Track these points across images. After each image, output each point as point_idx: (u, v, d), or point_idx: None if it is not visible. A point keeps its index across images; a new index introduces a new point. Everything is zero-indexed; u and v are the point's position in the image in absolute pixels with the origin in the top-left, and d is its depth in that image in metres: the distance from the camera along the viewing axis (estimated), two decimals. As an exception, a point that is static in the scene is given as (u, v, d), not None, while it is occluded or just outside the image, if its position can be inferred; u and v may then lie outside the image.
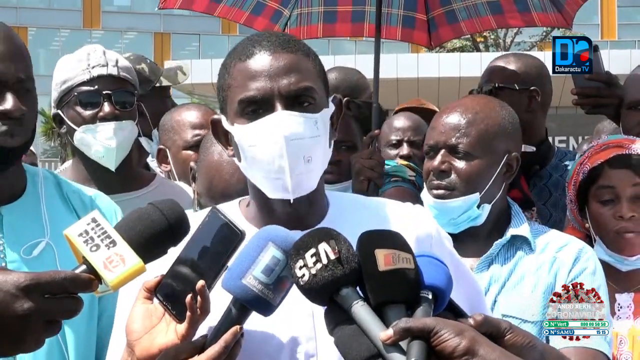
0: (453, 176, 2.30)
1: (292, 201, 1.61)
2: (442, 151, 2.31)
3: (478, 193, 2.30)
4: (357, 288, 1.36)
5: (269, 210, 1.67)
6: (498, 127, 2.34)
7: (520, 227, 2.34)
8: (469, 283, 1.77)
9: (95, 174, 2.74)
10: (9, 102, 1.93)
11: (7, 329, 1.31)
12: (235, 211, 1.73)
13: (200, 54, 40.64)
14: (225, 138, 1.70)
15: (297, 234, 1.45)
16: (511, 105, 3.15)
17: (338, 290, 1.35)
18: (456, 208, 2.30)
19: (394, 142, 4.04)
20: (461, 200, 2.29)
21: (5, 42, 1.95)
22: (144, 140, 3.32)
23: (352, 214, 1.69)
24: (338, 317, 1.35)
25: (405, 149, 3.95)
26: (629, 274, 2.40)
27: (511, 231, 2.33)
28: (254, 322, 1.48)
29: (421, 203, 2.28)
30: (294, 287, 1.39)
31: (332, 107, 1.68)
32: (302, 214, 1.65)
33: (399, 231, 1.43)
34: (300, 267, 1.36)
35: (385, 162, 3.86)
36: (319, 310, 1.40)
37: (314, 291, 1.36)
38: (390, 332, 1.28)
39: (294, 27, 4.37)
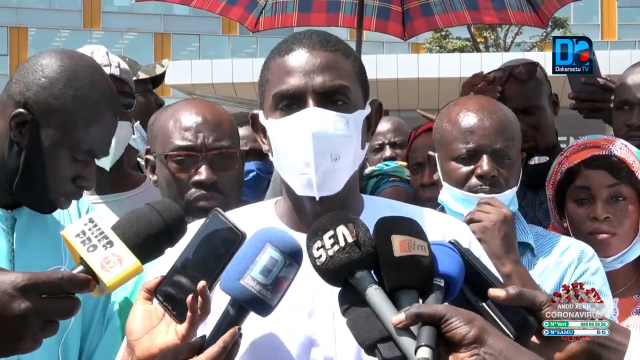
0: (500, 180, 2.23)
1: (317, 199, 1.61)
2: (486, 155, 2.23)
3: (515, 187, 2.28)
4: (372, 272, 1.39)
5: (300, 209, 1.68)
6: (519, 128, 2.34)
7: (524, 232, 2.32)
8: None
9: None
10: None
11: (4, 329, 1.31)
12: (270, 210, 1.75)
13: (200, 54, 40.61)
14: (263, 133, 1.71)
15: (296, 235, 1.45)
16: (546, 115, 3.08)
17: (353, 273, 1.38)
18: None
19: (376, 146, 4.04)
20: (504, 195, 2.23)
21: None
22: None
23: None
24: (352, 299, 1.38)
25: (387, 152, 3.96)
26: (606, 275, 2.36)
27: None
28: (274, 322, 1.48)
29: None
30: (315, 287, 1.40)
31: (368, 110, 1.68)
32: None
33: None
34: (318, 248, 1.39)
35: (385, 162, 3.88)
36: (340, 312, 1.41)
37: (330, 272, 1.39)
38: (402, 316, 1.31)
39: (269, 15, 4.38)
